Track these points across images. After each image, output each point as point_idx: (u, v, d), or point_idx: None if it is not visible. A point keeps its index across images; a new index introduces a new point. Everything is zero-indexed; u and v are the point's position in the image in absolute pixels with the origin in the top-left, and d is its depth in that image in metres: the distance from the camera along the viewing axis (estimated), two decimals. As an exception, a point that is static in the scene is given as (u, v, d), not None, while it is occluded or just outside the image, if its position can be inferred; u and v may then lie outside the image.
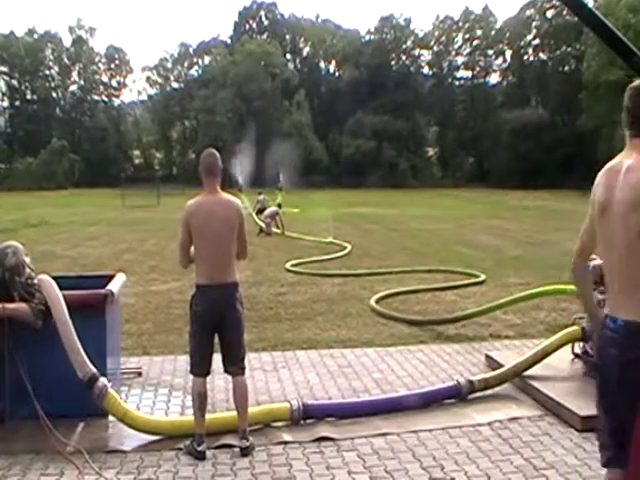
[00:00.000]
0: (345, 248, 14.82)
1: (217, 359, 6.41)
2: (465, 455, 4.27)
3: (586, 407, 4.81)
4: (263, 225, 18.97)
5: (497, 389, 5.40)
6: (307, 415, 4.78)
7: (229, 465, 4.15)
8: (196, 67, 71.61)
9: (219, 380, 5.78)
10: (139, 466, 4.12)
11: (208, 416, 4.81)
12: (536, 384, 5.34)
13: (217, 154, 4.53)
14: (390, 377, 5.87)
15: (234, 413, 4.81)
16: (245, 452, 4.27)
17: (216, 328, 4.40)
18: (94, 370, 4.38)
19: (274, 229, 18.94)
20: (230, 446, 4.39)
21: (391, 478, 3.96)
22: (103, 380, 4.40)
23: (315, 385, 5.67)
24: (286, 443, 4.46)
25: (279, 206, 21.01)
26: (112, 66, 69.52)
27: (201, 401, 4.33)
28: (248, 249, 4.62)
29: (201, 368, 4.41)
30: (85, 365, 4.38)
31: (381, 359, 6.44)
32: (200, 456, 4.21)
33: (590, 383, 5.42)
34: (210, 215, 4.33)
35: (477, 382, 5.30)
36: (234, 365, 4.45)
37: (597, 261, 5.89)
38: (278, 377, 5.89)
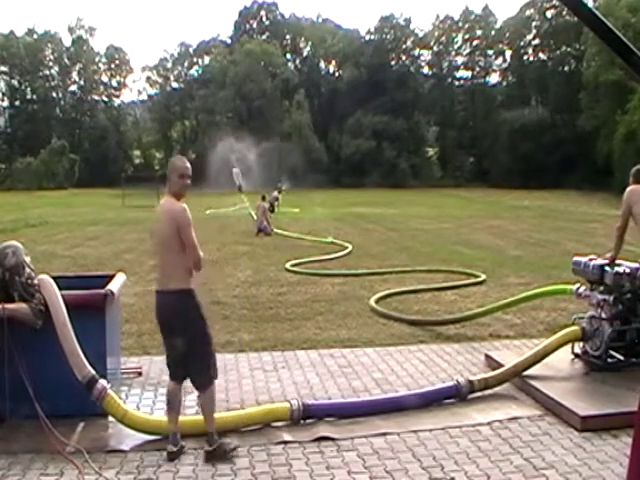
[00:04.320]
0: (346, 248, 14.81)
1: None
2: (465, 455, 4.27)
3: (586, 407, 4.82)
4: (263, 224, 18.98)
5: (497, 389, 5.40)
6: (307, 415, 4.78)
7: (229, 465, 4.15)
8: (196, 67, 71.72)
9: (219, 380, 5.77)
10: (139, 466, 4.12)
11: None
12: (536, 384, 5.34)
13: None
14: (390, 377, 5.87)
15: (234, 413, 4.82)
16: (208, 456, 4.19)
17: (168, 335, 4.33)
18: (93, 372, 4.38)
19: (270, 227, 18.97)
20: (230, 446, 4.39)
21: (391, 478, 3.96)
22: (102, 382, 4.40)
23: (315, 385, 5.67)
24: (286, 443, 4.45)
25: (272, 207, 20.92)
26: (112, 66, 69.61)
27: (169, 400, 4.34)
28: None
29: (170, 370, 4.40)
30: (84, 367, 4.38)
31: (381, 359, 6.43)
32: (168, 457, 4.19)
33: (590, 383, 5.45)
34: (158, 221, 4.33)
35: (477, 382, 5.30)
36: (191, 380, 4.36)
37: (597, 261, 5.91)
38: (278, 377, 5.89)
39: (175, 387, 4.35)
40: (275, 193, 21.19)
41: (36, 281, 4.67)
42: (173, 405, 4.33)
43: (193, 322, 4.24)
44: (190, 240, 4.15)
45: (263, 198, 20.73)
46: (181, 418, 4.86)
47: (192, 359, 4.27)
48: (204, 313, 4.32)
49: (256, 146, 54.21)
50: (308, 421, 4.78)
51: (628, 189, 5.89)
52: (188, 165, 4.40)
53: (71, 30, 68.31)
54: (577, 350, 5.91)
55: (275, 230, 18.93)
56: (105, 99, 70.04)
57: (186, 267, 4.20)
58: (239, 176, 24.42)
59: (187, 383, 5.71)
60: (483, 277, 10.84)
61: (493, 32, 65.10)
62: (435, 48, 66.99)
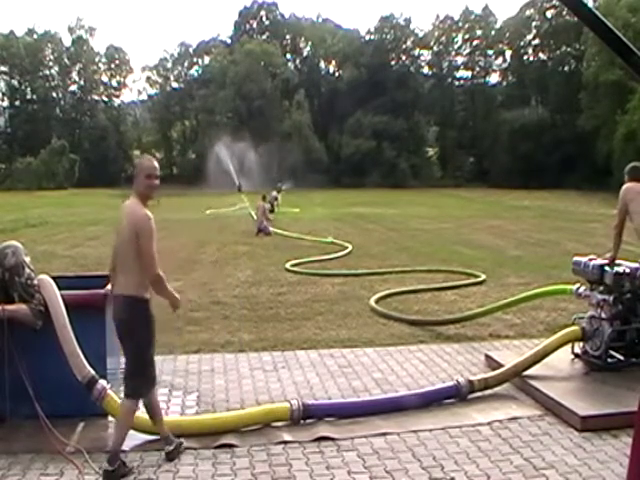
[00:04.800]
0: (346, 248, 14.81)
1: (211, 359, 6.44)
2: (465, 455, 4.27)
3: (586, 407, 4.82)
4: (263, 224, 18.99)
5: (497, 389, 5.40)
6: (307, 415, 4.78)
7: (229, 465, 4.15)
8: (196, 67, 71.78)
9: (219, 380, 5.80)
10: (139, 466, 4.12)
11: (208, 416, 4.83)
12: (536, 384, 5.33)
13: None
14: (390, 377, 5.87)
15: (234, 413, 4.82)
16: (169, 456, 4.19)
17: (122, 341, 4.23)
18: (93, 373, 4.38)
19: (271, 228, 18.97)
20: (230, 446, 4.39)
21: (391, 478, 3.96)
22: (102, 382, 4.40)
23: (315, 385, 5.67)
24: (286, 443, 4.45)
25: (272, 207, 20.95)
26: (112, 66, 69.65)
27: (147, 408, 4.29)
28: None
29: None
30: (84, 368, 4.38)
31: (381, 359, 6.43)
32: (167, 457, 4.20)
33: (590, 383, 5.45)
34: (120, 222, 4.20)
35: (477, 382, 5.30)
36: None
37: (597, 261, 5.91)
38: (278, 377, 5.89)
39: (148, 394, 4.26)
40: (274, 193, 21.19)
41: (36, 281, 4.67)
42: (155, 411, 4.28)
43: (138, 333, 4.07)
44: (148, 252, 3.97)
45: (263, 198, 20.74)
46: (181, 418, 4.87)
47: (127, 365, 4.17)
48: (153, 329, 4.13)
49: (256, 146, 54.24)
50: (308, 421, 4.78)
51: (624, 187, 5.88)
52: (156, 165, 4.29)
53: (71, 30, 68.42)
54: (577, 350, 5.91)
55: (274, 230, 18.93)
56: (105, 99, 70.09)
57: (142, 274, 4.04)
58: (239, 176, 24.40)
59: (187, 383, 5.72)
60: (483, 277, 10.84)
61: (493, 32, 65.13)
62: (435, 48, 67.01)
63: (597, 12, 1.40)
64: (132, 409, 4.15)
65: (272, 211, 20.29)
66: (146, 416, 4.46)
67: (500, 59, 66.45)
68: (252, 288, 10.32)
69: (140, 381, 4.14)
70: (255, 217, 19.91)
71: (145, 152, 69.90)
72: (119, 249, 4.16)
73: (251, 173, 51.86)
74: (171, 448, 4.22)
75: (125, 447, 4.35)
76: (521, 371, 5.46)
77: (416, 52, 67.21)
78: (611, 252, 5.86)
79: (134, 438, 4.46)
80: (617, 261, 5.88)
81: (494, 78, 67.42)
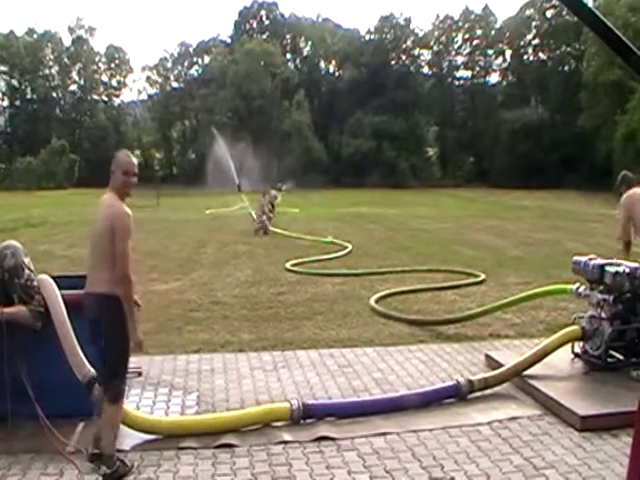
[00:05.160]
0: (346, 248, 14.81)
1: (211, 359, 6.44)
2: (465, 454, 4.27)
3: (586, 407, 4.83)
4: (264, 223, 18.97)
5: (497, 388, 5.40)
6: (307, 415, 4.78)
7: (229, 465, 4.15)
8: (196, 67, 71.71)
9: (219, 380, 5.80)
10: (139, 465, 4.12)
11: (208, 416, 4.82)
12: (536, 383, 5.34)
13: None
14: (390, 377, 5.87)
15: (234, 413, 4.82)
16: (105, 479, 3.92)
17: (98, 340, 4.05)
18: (93, 372, 4.37)
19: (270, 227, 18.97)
20: (230, 446, 4.39)
21: (391, 478, 3.96)
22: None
23: (315, 385, 5.67)
24: (286, 443, 4.46)
25: (272, 206, 20.91)
26: (112, 66, 69.57)
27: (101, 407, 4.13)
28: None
29: (100, 375, 4.22)
30: (84, 367, 4.37)
31: (381, 358, 6.44)
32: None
33: (590, 382, 5.45)
34: (96, 217, 4.11)
35: (477, 382, 5.31)
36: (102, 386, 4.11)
37: (597, 261, 5.91)
38: (278, 377, 5.89)
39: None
40: (273, 192, 21.12)
41: (36, 282, 4.66)
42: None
43: (112, 329, 3.96)
44: (122, 250, 3.89)
45: (264, 195, 20.63)
46: (181, 418, 4.87)
47: (104, 367, 4.08)
48: (127, 328, 3.96)
49: (256, 146, 54.22)
50: (308, 421, 4.78)
51: (625, 196, 5.80)
52: (134, 161, 4.16)
53: (71, 30, 68.34)
54: (577, 350, 5.91)
55: (274, 230, 18.91)
56: (105, 99, 69.99)
57: (114, 272, 3.94)
58: (239, 176, 24.33)
59: (187, 383, 5.72)
60: (483, 277, 10.84)
61: (493, 32, 65.05)
62: (435, 48, 66.93)
63: (597, 12, 1.40)
64: (118, 411, 4.09)
65: (272, 210, 20.30)
66: (146, 416, 4.46)
67: (500, 59, 66.41)
68: (252, 288, 10.32)
69: (120, 382, 4.09)
70: (255, 217, 19.89)
71: (145, 152, 70.16)
72: (94, 245, 4.06)
73: (251, 173, 51.83)
74: (109, 471, 3.96)
75: (125, 447, 4.35)
76: (521, 371, 5.46)
77: (416, 52, 67.11)
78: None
79: (134, 438, 4.47)
80: (617, 261, 5.88)
81: (494, 78, 67.46)
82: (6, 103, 66.43)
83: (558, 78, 57.49)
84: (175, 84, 71.76)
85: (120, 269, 3.90)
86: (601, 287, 5.80)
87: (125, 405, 4.64)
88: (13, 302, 4.59)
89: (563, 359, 5.83)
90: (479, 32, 65.35)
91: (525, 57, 63.92)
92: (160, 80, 71.56)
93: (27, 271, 4.66)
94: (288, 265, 12.31)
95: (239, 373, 6.00)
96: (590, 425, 4.62)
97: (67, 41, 68.07)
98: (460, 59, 67.40)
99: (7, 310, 4.52)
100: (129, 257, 3.91)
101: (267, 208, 19.72)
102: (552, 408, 4.98)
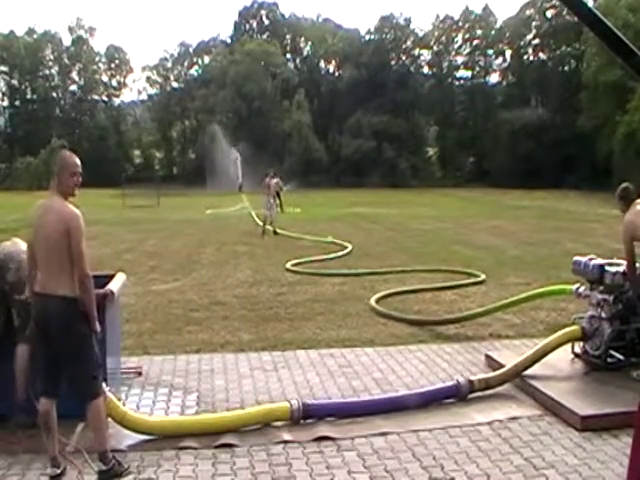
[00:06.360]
0: (346, 248, 14.81)
1: (211, 359, 6.44)
2: (465, 455, 4.27)
3: (586, 407, 4.83)
4: (264, 222, 18.94)
5: (497, 389, 5.40)
6: (307, 415, 4.78)
7: (229, 465, 4.15)
8: (196, 67, 71.70)
9: (219, 380, 5.80)
10: (139, 466, 4.12)
11: (208, 416, 4.82)
12: (536, 383, 5.34)
13: None
14: (390, 377, 5.87)
15: (234, 413, 4.82)
16: (102, 477, 3.92)
17: (44, 345, 3.95)
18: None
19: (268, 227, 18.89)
20: (230, 446, 4.39)
21: (391, 478, 3.96)
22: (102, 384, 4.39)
23: (315, 385, 5.67)
24: (286, 443, 4.45)
25: (278, 195, 20.74)
26: (112, 66, 69.58)
27: (45, 421, 3.95)
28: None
29: (43, 385, 4.02)
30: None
31: (381, 359, 6.44)
32: None
33: (590, 382, 5.45)
34: (42, 219, 3.99)
35: (477, 382, 5.30)
36: (77, 390, 4.01)
37: (597, 261, 5.91)
38: (278, 377, 5.89)
39: (49, 405, 3.97)
40: (275, 180, 20.62)
41: None
42: (50, 426, 3.96)
43: (79, 331, 3.90)
44: (79, 251, 3.88)
45: (269, 182, 19.99)
46: (181, 418, 4.87)
47: (77, 368, 3.94)
48: (91, 326, 3.95)
49: (256, 146, 54.20)
50: (308, 421, 4.78)
51: (627, 219, 5.55)
52: (79, 162, 4.13)
53: (71, 30, 68.33)
54: (577, 350, 5.91)
55: (272, 229, 18.82)
56: (105, 99, 70.00)
57: (73, 273, 3.92)
58: (238, 160, 24.15)
59: (187, 383, 5.72)
60: (483, 277, 10.84)
61: (493, 32, 65.03)
62: (435, 48, 66.92)
63: (597, 12, 1.41)
64: (101, 406, 4.02)
65: (278, 196, 19.98)
66: (145, 417, 4.45)
67: (500, 59, 66.40)
68: (252, 288, 10.32)
69: (96, 379, 4.02)
70: (255, 217, 19.86)
71: (145, 152, 70.20)
72: (47, 249, 3.95)
73: (251, 173, 51.85)
74: (58, 472, 3.93)
75: (125, 447, 4.35)
76: (521, 371, 5.46)
77: (416, 52, 67.10)
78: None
79: (134, 438, 4.47)
80: (617, 261, 5.88)
81: (494, 78, 67.42)
82: (6, 103, 66.48)
83: (558, 78, 57.51)
84: (175, 84, 71.76)
85: (79, 270, 3.90)
86: (601, 287, 5.80)
87: (125, 407, 4.65)
88: (12, 315, 4.65)
89: (563, 359, 5.83)
90: (479, 32, 65.33)
91: (525, 57, 63.90)
92: (160, 80, 71.56)
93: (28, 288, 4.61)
94: (288, 265, 12.31)
95: (239, 373, 6.00)
96: (590, 425, 4.62)
97: (67, 41, 68.19)
98: (460, 59, 67.44)
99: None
100: (86, 257, 3.92)
101: (272, 199, 19.50)
102: (552, 408, 4.98)
